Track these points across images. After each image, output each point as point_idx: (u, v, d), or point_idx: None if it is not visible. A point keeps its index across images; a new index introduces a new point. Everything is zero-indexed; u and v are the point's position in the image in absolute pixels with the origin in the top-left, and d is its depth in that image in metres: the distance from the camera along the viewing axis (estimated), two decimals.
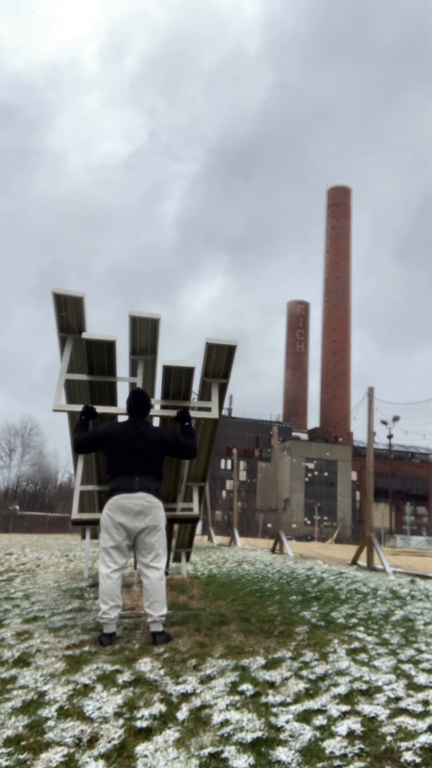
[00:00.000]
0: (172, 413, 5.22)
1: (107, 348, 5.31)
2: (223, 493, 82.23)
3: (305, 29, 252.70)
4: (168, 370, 5.30)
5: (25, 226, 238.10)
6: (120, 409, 5.49)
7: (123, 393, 6.18)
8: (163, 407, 5.50)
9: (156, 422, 6.13)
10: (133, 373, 5.87)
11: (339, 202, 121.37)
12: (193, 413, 5.51)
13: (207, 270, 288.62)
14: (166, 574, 7.37)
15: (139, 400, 4.64)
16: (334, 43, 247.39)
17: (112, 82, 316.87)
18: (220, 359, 5.51)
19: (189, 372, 5.34)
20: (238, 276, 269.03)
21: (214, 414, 5.61)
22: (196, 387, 5.80)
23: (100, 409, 5.17)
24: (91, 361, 5.41)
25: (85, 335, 5.20)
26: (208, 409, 5.65)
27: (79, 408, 5.16)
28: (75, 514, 5.57)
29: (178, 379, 5.38)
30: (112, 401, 5.81)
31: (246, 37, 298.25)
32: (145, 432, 4.52)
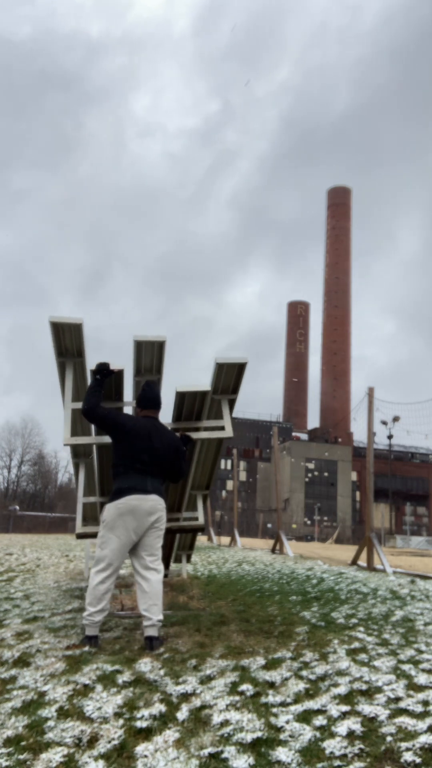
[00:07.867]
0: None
1: (114, 375, 5.13)
2: (223, 494, 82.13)
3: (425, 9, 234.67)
4: (182, 396, 5.15)
5: (74, 211, 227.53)
6: (126, 403, 5.35)
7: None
8: (175, 430, 5.39)
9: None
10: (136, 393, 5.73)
11: (339, 202, 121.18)
12: (205, 434, 5.39)
13: (253, 260, 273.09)
14: (166, 576, 7.37)
15: (153, 392, 4.57)
16: None
17: (196, 46, 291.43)
18: (229, 377, 5.35)
19: (203, 395, 5.21)
20: (288, 267, 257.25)
21: (228, 432, 5.39)
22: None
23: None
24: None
25: (90, 368, 4.92)
26: (222, 428, 5.45)
27: (88, 440, 4.99)
28: (79, 528, 5.47)
29: (191, 401, 5.26)
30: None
31: (354, 9, 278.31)
32: (162, 432, 4.38)
